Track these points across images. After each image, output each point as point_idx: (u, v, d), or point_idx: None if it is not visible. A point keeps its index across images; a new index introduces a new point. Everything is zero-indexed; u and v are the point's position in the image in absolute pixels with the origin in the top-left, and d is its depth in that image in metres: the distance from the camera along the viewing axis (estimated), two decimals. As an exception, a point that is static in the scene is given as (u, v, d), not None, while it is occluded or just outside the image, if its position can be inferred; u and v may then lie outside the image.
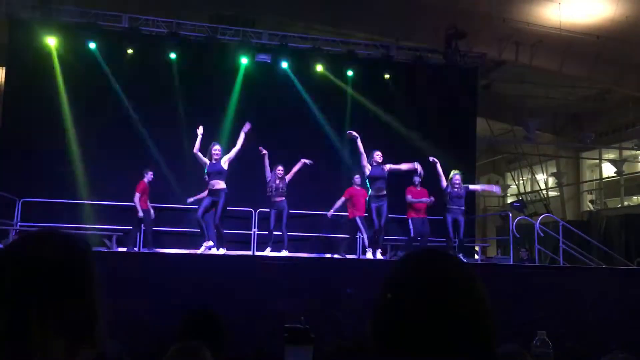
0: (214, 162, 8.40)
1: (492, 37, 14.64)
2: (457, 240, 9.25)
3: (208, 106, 11.53)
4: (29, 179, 10.44)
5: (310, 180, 11.07)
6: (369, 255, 8.70)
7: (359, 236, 11.15)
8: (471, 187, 9.30)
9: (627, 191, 19.61)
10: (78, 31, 11.23)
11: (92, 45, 11.21)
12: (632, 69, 15.75)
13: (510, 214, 11.02)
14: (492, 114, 17.68)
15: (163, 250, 9.78)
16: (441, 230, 9.78)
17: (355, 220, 9.66)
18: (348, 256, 10.57)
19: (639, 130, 17.41)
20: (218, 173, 8.35)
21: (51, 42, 11.07)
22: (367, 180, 8.73)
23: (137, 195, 9.65)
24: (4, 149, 10.88)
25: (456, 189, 9.05)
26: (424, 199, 9.85)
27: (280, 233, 9.32)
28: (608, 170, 20.16)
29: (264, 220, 10.20)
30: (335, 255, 9.63)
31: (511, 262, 10.50)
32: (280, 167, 9.29)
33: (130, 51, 11.42)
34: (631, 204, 19.41)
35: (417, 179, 10.04)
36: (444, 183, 9.15)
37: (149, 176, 9.92)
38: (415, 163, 8.86)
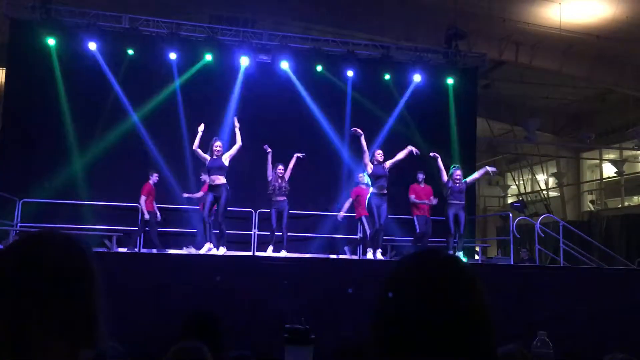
0: (214, 157, 8.39)
1: (492, 37, 14.65)
2: (457, 236, 9.25)
3: (208, 106, 11.53)
4: (29, 179, 10.45)
5: (310, 180, 11.09)
6: (369, 255, 8.71)
7: (359, 236, 11.17)
8: (469, 180, 9.31)
9: (628, 191, 19.62)
10: (78, 31, 11.23)
11: (92, 46, 11.21)
12: (632, 69, 15.75)
13: (511, 215, 11.02)
14: (492, 114, 17.69)
15: (163, 251, 9.77)
16: (441, 230, 9.80)
17: (362, 220, 9.68)
18: (348, 256, 10.58)
19: (639, 130, 17.40)
20: (219, 169, 8.35)
21: (51, 42, 11.07)
22: (369, 178, 8.79)
23: (142, 198, 9.66)
24: (4, 150, 10.88)
25: (457, 184, 9.09)
26: (426, 201, 9.85)
27: (280, 233, 9.32)
28: (608, 170, 20.17)
29: (264, 221, 10.20)
30: (346, 252, 9.60)
31: (512, 263, 10.50)
32: (280, 167, 9.31)
33: (130, 51, 11.42)
34: (631, 204, 19.42)
35: (420, 176, 10.04)
36: (445, 178, 9.19)
37: (154, 178, 9.93)
38: (408, 147, 8.88)
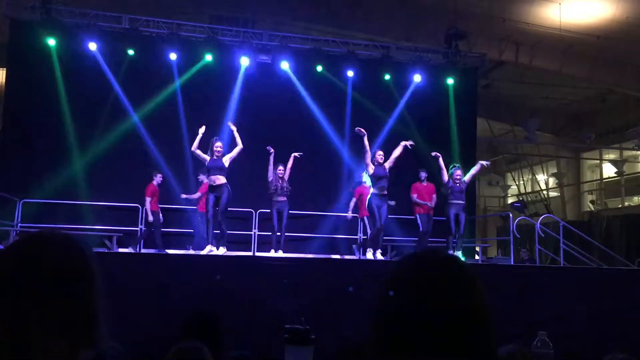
0: (215, 158, 8.37)
1: (493, 37, 14.65)
2: (456, 235, 9.26)
3: (208, 106, 11.54)
4: (29, 179, 10.45)
5: (310, 180, 11.09)
6: (369, 255, 8.72)
7: (359, 236, 11.17)
8: (467, 177, 9.33)
9: (628, 191, 19.61)
10: (78, 32, 11.23)
11: (93, 46, 11.21)
12: (632, 69, 15.75)
13: (511, 215, 11.02)
14: (492, 114, 17.69)
15: (164, 251, 9.77)
16: (441, 230, 9.81)
17: (364, 220, 9.68)
18: (356, 257, 10.58)
19: (639, 131, 17.40)
20: (219, 169, 8.33)
21: (51, 42, 11.07)
22: (370, 179, 8.80)
23: (147, 199, 9.66)
24: (5, 150, 10.89)
25: (457, 184, 9.12)
26: (428, 203, 9.85)
27: (279, 233, 9.33)
28: (608, 170, 20.16)
29: (264, 221, 10.20)
30: (355, 252, 9.59)
31: (512, 263, 10.50)
32: (280, 167, 9.32)
33: (130, 52, 11.42)
34: (632, 204, 19.41)
35: (423, 175, 10.05)
36: (446, 177, 9.22)
37: (157, 179, 9.94)
38: (402, 142, 8.89)
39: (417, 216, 9.95)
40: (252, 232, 10.39)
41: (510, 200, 22.60)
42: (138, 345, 3.93)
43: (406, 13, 13.93)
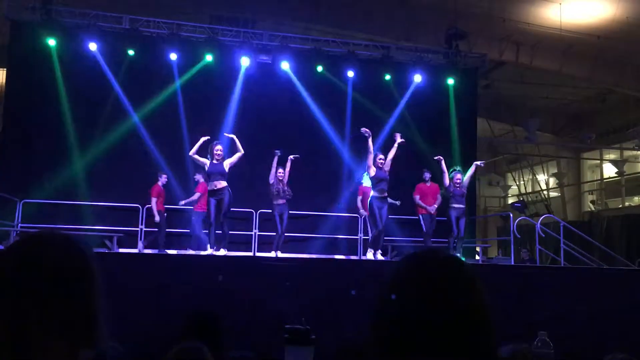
0: (215, 162, 8.34)
1: (493, 37, 14.64)
2: (456, 238, 9.28)
3: (209, 107, 11.54)
4: (29, 179, 10.45)
5: (310, 181, 11.09)
6: (370, 255, 8.72)
7: (360, 236, 11.17)
8: (465, 180, 9.34)
9: (628, 191, 19.61)
10: (78, 32, 11.24)
11: (93, 47, 11.22)
12: (632, 69, 15.75)
13: (511, 215, 11.02)
14: (492, 115, 17.69)
15: (164, 252, 9.77)
16: (442, 231, 9.81)
17: (367, 219, 9.69)
18: (354, 257, 10.59)
19: (639, 131, 17.40)
20: (220, 174, 8.31)
21: (52, 43, 11.07)
22: (370, 181, 8.79)
23: (153, 200, 9.68)
24: (5, 150, 10.89)
25: (457, 187, 9.15)
26: (428, 207, 9.83)
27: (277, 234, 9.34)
28: (609, 170, 20.16)
29: (264, 222, 10.20)
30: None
31: (512, 263, 10.50)
32: (280, 170, 9.31)
33: (131, 52, 11.42)
34: (632, 204, 19.40)
35: (427, 175, 10.04)
36: (447, 181, 9.23)
37: (163, 179, 9.96)
38: (396, 139, 8.89)
39: (420, 217, 9.94)
40: (253, 233, 10.39)
41: (510, 201, 22.60)
42: (138, 345, 3.93)
43: (406, 13, 13.93)
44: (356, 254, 11.11)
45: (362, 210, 10.43)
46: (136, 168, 10.84)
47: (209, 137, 8.55)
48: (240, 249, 9.96)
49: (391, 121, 12.43)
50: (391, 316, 1.05)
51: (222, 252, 8.32)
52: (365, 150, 8.82)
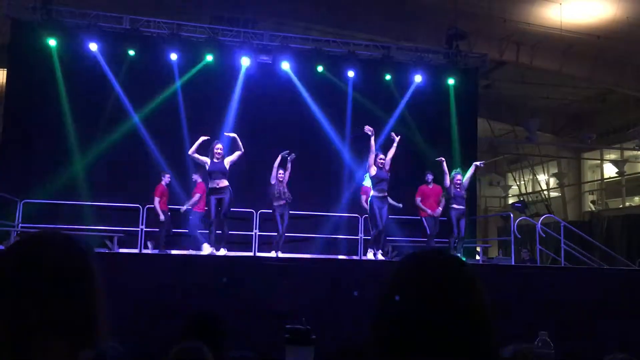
0: (215, 160, 8.35)
1: (493, 37, 14.64)
2: (457, 238, 9.28)
3: (209, 107, 11.55)
4: (30, 180, 10.45)
5: (310, 181, 11.09)
6: (370, 255, 8.71)
7: (360, 236, 11.17)
8: (465, 180, 9.34)
9: (629, 192, 19.60)
10: (79, 32, 11.24)
11: (93, 47, 11.22)
12: (632, 70, 15.74)
13: (512, 215, 11.01)
14: (493, 115, 17.68)
15: (165, 252, 9.77)
16: (444, 231, 9.81)
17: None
18: (349, 257, 10.59)
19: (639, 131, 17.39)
20: (222, 173, 8.32)
21: (52, 43, 11.07)
22: (370, 180, 8.79)
23: (156, 199, 9.69)
24: (6, 150, 10.90)
25: (458, 189, 9.16)
26: (428, 210, 9.81)
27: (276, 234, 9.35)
28: (609, 170, 20.15)
29: (265, 222, 10.20)
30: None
31: (513, 263, 10.50)
32: (281, 171, 9.32)
33: (131, 52, 11.43)
34: (632, 204, 19.39)
35: (429, 177, 10.02)
36: (448, 182, 9.25)
37: (166, 179, 9.97)
38: (394, 138, 8.91)
39: (423, 219, 9.93)
40: (253, 233, 10.39)
41: (511, 201, 22.59)
42: (138, 345, 3.93)
43: (407, 13, 13.92)
44: (356, 254, 11.11)
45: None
46: (136, 168, 10.84)
47: (208, 137, 8.55)
48: (240, 249, 9.96)
49: (391, 121, 12.42)
50: (391, 316, 1.05)
51: (222, 251, 8.32)
52: (367, 150, 8.82)
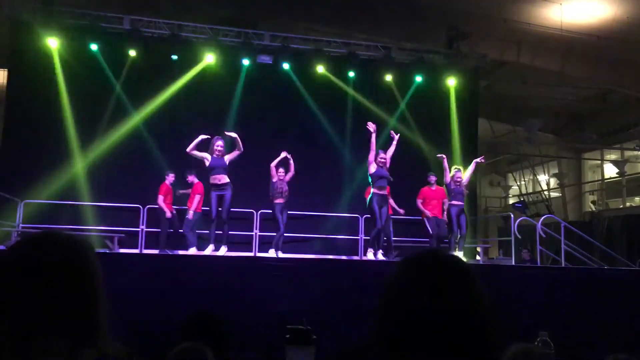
0: (215, 156, 8.36)
1: (494, 37, 14.63)
2: (459, 236, 9.25)
3: (210, 107, 11.55)
4: (30, 180, 10.46)
5: (310, 181, 11.09)
6: (370, 255, 8.71)
7: (361, 237, 11.17)
8: (465, 178, 9.33)
9: (629, 192, 19.59)
10: (80, 33, 11.24)
11: (94, 47, 11.23)
12: (633, 70, 15.73)
13: (512, 215, 11.00)
14: (493, 115, 17.67)
15: (165, 252, 9.77)
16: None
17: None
18: (349, 257, 10.59)
19: (640, 131, 17.39)
20: (223, 168, 8.34)
21: (53, 43, 11.08)
22: (369, 178, 8.78)
23: (160, 198, 9.74)
24: (7, 151, 10.90)
25: (457, 186, 9.16)
26: (427, 212, 9.79)
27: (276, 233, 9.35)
28: (610, 170, 20.14)
29: (265, 222, 10.20)
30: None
31: (513, 263, 10.49)
32: (281, 170, 9.32)
33: (132, 53, 11.43)
34: (633, 204, 19.38)
35: (432, 178, 9.99)
36: (448, 179, 9.25)
37: (170, 178, 9.98)
38: (393, 137, 8.95)
39: (425, 220, 9.90)
40: (253, 233, 10.39)
41: (511, 201, 22.58)
42: (139, 345, 3.93)
43: (407, 13, 13.91)
44: (356, 254, 11.11)
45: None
46: (137, 169, 10.84)
47: (208, 136, 8.56)
48: (240, 249, 9.96)
49: (392, 122, 12.43)
50: (392, 316, 1.05)
51: (223, 250, 8.34)
52: (368, 147, 8.81)
